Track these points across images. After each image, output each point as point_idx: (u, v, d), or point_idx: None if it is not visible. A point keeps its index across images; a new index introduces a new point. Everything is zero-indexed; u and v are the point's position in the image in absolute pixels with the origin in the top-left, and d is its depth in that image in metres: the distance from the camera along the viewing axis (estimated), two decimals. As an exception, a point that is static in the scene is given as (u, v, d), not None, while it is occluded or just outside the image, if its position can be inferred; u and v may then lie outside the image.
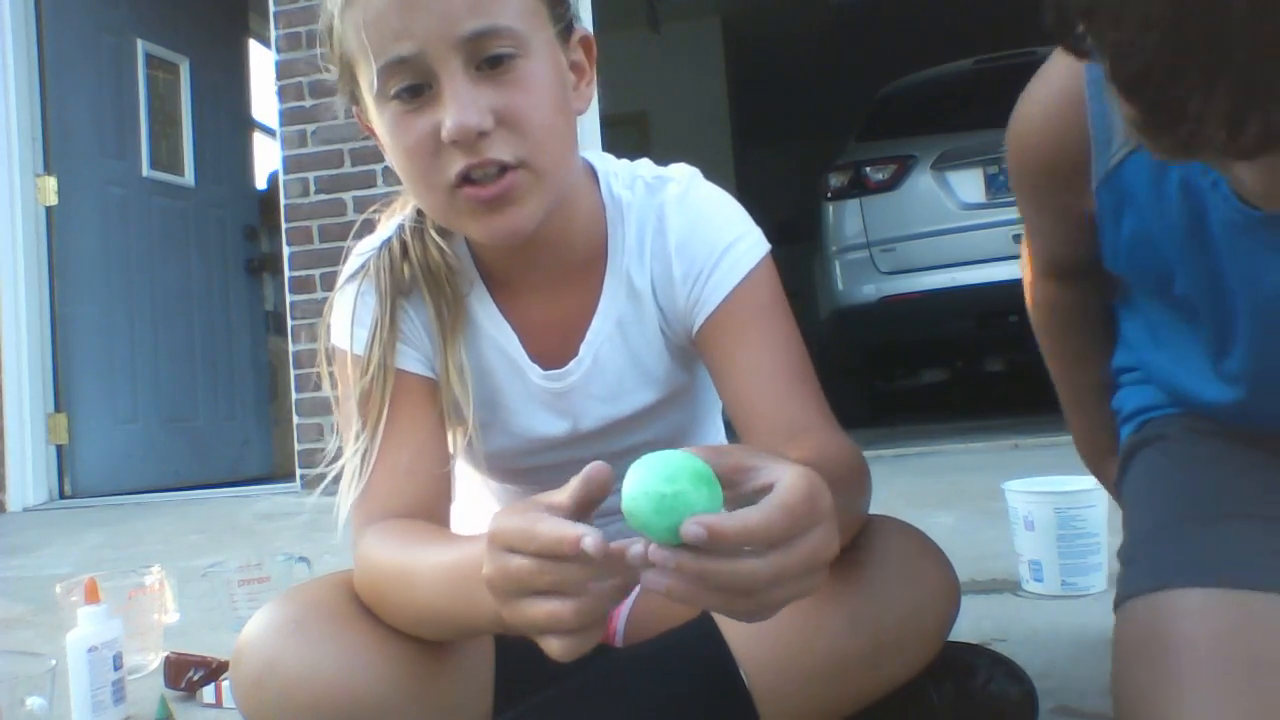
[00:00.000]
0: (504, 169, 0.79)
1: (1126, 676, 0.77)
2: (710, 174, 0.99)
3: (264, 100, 4.60)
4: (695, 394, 1.01)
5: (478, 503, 1.08)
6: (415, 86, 0.78)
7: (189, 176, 4.41)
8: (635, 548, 0.54)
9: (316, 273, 3.61)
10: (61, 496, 3.93)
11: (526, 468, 1.00)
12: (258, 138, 4.96)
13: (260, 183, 4.99)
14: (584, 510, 0.59)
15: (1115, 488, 1.01)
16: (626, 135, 5.86)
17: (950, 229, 3.95)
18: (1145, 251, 0.80)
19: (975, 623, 1.30)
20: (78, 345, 3.96)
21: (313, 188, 3.63)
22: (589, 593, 0.56)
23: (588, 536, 0.54)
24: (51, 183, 3.94)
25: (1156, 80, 0.47)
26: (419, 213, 0.94)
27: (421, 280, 0.92)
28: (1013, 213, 3.83)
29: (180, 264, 4.35)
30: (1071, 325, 1.04)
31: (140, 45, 4.21)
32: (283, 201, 3.68)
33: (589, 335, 0.94)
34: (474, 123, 0.76)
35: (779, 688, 0.78)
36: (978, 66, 4.38)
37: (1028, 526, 1.47)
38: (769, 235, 0.95)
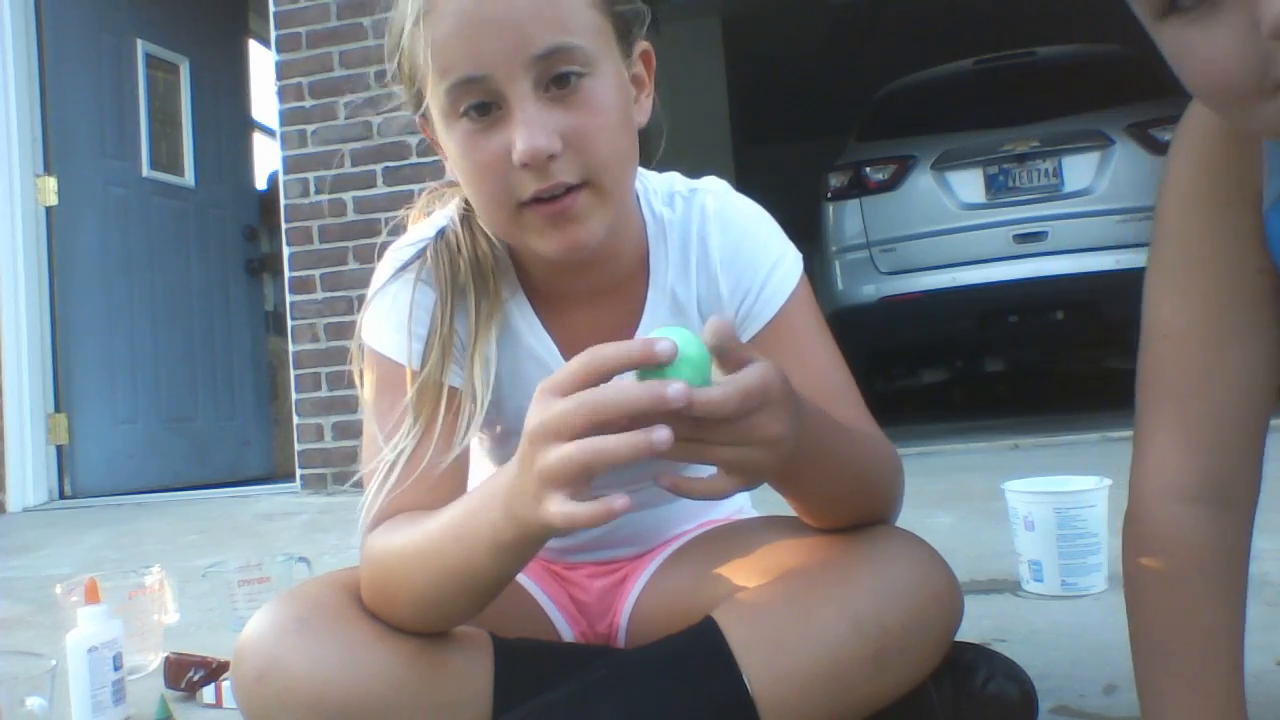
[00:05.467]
0: (568, 188, 0.79)
1: None
2: (710, 174, 0.99)
3: (264, 100, 4.60)
4: None
5: None
6: (483, 105, 0.78)
7: (189, 177, 4.41)
8: (676, 385, 0.61)
9: (316, 273, 3.61)
10: (61, 497, 3.93)
11: None
12: (258, 138, 4.96)
13: (260, 183, 4.99)
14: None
15: None
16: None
17: (950, 229, 3.95)
18: None
19: (975, 623, 1.30)
20: (78, 345, 3.96)
21: (313, 188, 3.63)
22: (604, 438, 0.61)
23: (659, 343, 0.62)
24: (51, 183, 3.94)
25: None
26: (467, 204, 0.94)
27: (470, 272, 0.91)
28: (1013, 213, 3.84)
29: (180, 264, 4.35)
30: (1233, 584, 0.70)
31: (140, 45, 4.20)
32: (283, 202, 3.68)
33: None
34: (543, 146, 0.76)
35: (782, 693, 0.78)
36: (978, 66, 4.38)
37: (1028, 526, 1.47)
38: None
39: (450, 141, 0.82)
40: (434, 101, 0.81)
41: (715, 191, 0.96)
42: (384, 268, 0.94)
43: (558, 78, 0.78)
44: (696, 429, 0.64)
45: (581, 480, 0.63)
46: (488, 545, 0.72)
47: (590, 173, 0.80)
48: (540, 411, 0.64)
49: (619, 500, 0.61)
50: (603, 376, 0.63)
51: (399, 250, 0.94)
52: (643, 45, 0.88)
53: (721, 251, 0.93)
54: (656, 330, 0.65)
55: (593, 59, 0.79)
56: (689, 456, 0.66)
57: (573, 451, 0.62)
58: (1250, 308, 0.68)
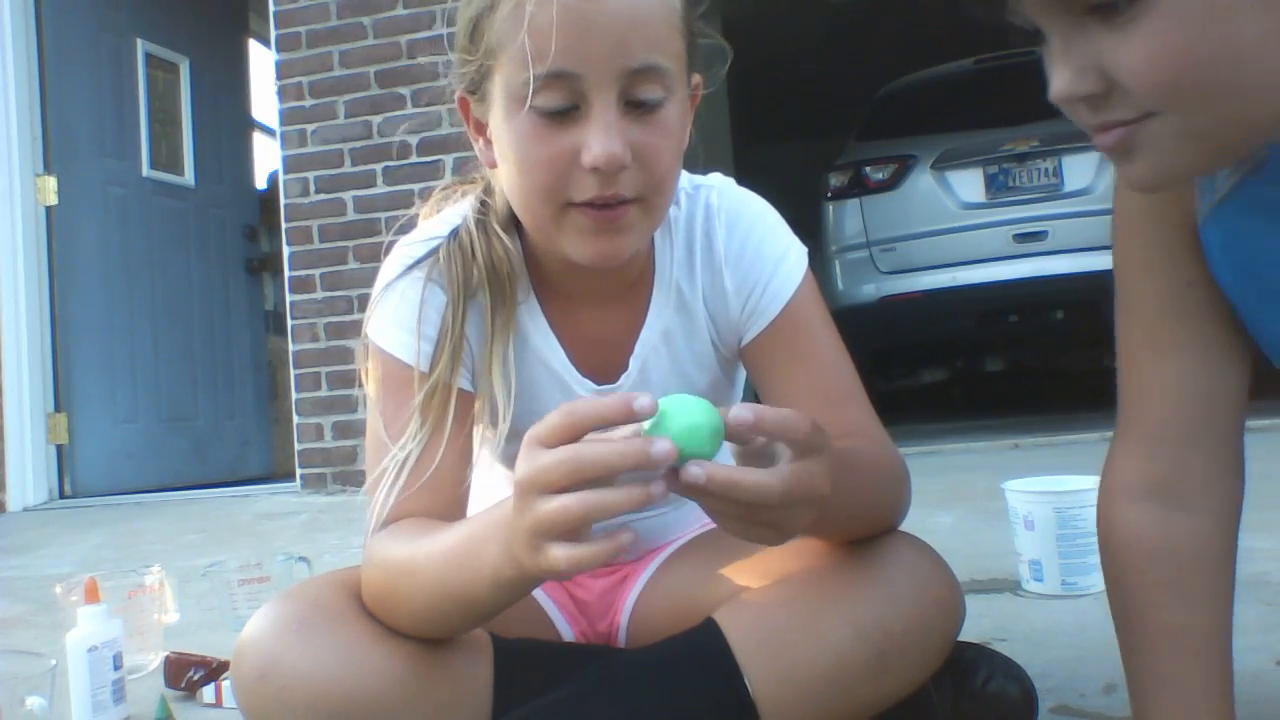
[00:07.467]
0: (622, 200, 0.80)
1: None
2: (712, 173, 0.99)
3: (264, 100, 4.60)
4: (727, 404, 1.02)
5: (496, 484, 1.07)
6: (565, 107, 0.77)
7: (189, 176, 4.41)
8: (661, 443, 0.60)
9: (316, 272, 3.61)
10: (61, 496, 3.93)
11: None
12: (258, 138, 4.96)
13: (260, 183, 4.99)
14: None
15: None
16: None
17: (950, 229, 3.95)
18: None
19: (975, 622, 1.30)
20: (78, 345, 3.96)
21: (313, 188, 3.63)
22: (601, 491, 0.61)
23: (640, 399, 0.61)
24: (51, 183, 3.94)
25: None
26: (482, 205, 0.93)
27: (484, 276, 0.91)
28: (1013, 212, 3.84)
29: (180, 264, 4.35)
30: (1190, 584, 0.72)
31: (140, 45, 4.20)
32: (283, 201, 3.68)
33: (637, 348, 0.94)
34: (619, 155, 0.77)
35: (782, 695, 0.78)
36: (978, 66, 4.38)
37: (1028, 526, 1.47)
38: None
39: (509, 127, 0.81)
40: (504, 84, 0.80)
41: (720, 187, 0.96)
42: (392, 264, 0.93)
43: (640, 99, 0.78)
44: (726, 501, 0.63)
45: (577, 530, 0.62)
46: (487, 580, 0.72)
47: (646, 191, 0.80)
48: (527, 462, 0.64)
49: (625, 535, 0.62)
50: (582, 431, 0.63)
51: (409, 246, 0.93)
52: (695, 79, 0.88)
53: (727, 247, 0.93)
54: (670, 397, 0.65)
55: (673, 84, 0.80)
56: (740, 519, 0.66)
57: (571, 504, 0.61)
58: (1185, 320, 0.72)
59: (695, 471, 0.61)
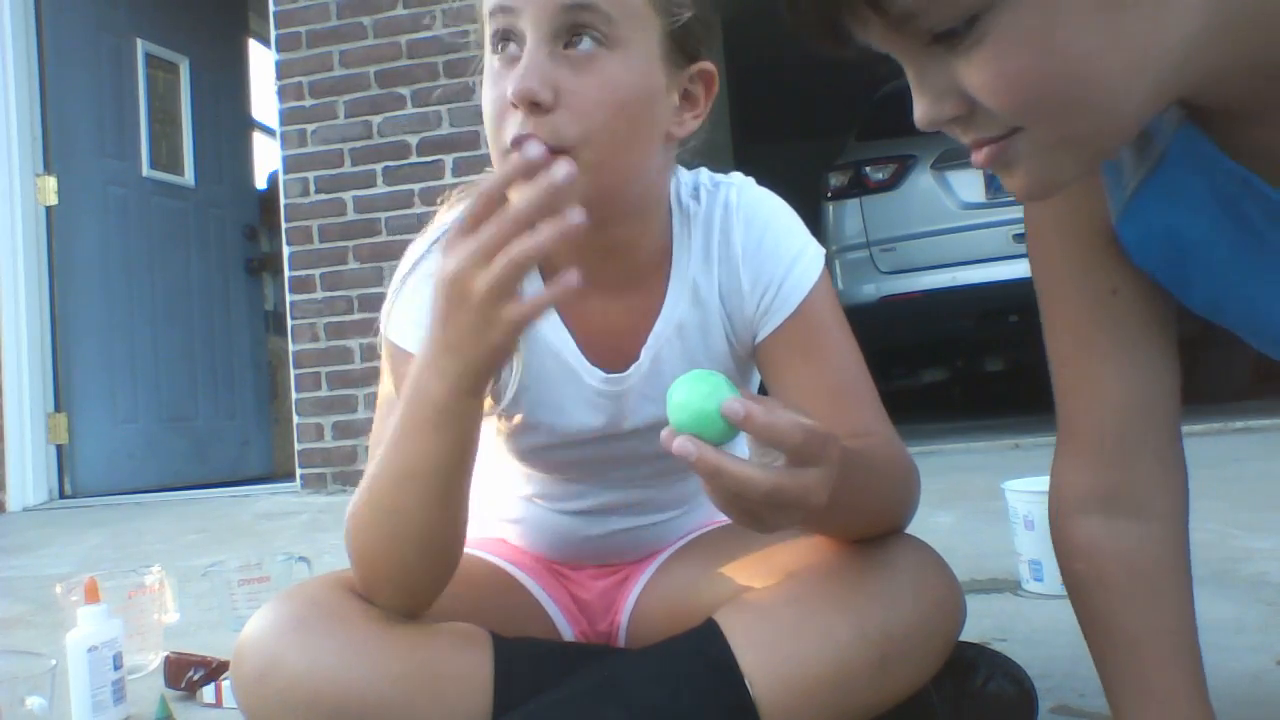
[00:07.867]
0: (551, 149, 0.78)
1: None
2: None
3: (264, 100, 4.60)
4: None
5: (502, 479, 1.07)
6: (508, 43, 0.80)
7: (189, 176, 4.41)
8: (563, 165, 0.66)
9: (316, 273, 3.61)
10: (61, 496, 3.93)
11: (562, 460, 0.99)
12: (258, 138, 4.96)
13: (260, 183, 4.99)
14: None
15: None
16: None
17: (950, 228, 3.95)
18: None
19: (975, 622, 1.30)
20: (78, 345, 3.96)
21: (313, 187, 3.63)
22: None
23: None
24: (51, 183, 3.94)
25: None
26: None
27: None
28: (1013, 212, 3.83)
29: (180, 264, 4.35)
30: (1150, 590, 0.72)
31: (140, 45, 4.21)
32: (283, 201, 3.68)
33: (650, 339, 0.94)
34: (533, 89, 0.76)
35: (783, 698, 0.78)
36: (978, 66, 4.37)
37: (1028, 526, 1.47)
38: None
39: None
40: (486, 35, 0.83)
41: (740, 185, 0.96)
42: (408, 256, 0.94)
43: (576, 32, 0.78)
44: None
45: (520, 280, 0.67)
46: (432, 423, 0.74)
47: (575, 141, 0.78)
48: (457, 253, 0.67)
49: (570, 274, 0.65)
50: (496, 199, 0.66)
51: (421, 241, 0.94)
52: (704, 65, 0.87)
53: (744, 244, 0.93)
54: (692, 374, 0.66)
55: (618, 37, 0.79)
56: (722, 503, 0.67)
57: (501, 260, 0.65)
58: (1108, 329, 0.72)
59: (688, 447, 0.62)
